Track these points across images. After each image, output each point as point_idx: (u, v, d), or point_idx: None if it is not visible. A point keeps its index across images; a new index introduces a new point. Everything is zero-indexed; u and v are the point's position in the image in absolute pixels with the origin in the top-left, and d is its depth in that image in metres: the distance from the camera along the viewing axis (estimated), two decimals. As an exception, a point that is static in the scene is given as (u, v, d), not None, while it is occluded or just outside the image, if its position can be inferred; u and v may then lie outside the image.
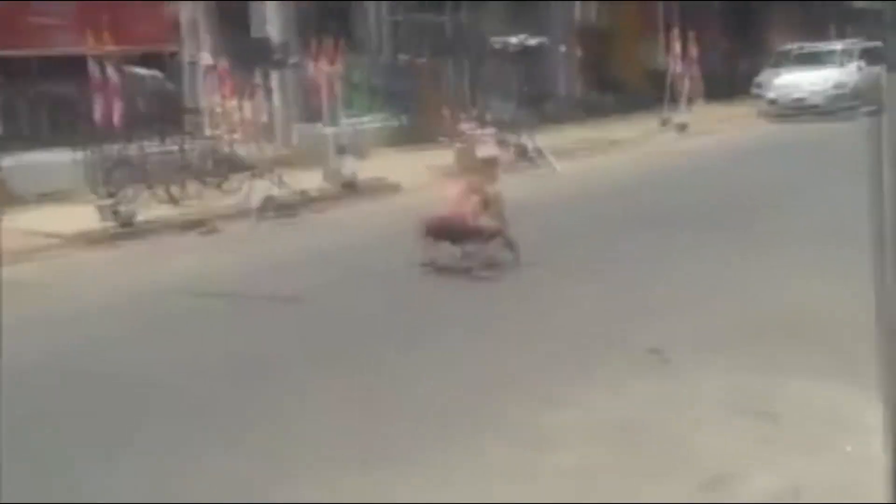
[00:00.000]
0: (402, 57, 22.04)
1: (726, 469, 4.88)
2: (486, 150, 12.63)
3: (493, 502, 4.70)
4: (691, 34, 24.17)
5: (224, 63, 16.84)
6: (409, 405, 6.09)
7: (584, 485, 4.82)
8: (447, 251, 9.67)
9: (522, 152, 18.14)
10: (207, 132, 16.28)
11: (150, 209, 13.50)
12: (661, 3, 29.75)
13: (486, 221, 9.65)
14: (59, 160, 15.04)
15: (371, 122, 20.75)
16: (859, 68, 25.15)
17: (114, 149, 14.39)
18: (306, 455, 5.38)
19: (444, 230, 9.64)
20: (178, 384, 6.77)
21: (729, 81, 30.57)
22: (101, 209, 13.14)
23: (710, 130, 22.92)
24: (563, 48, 25.29)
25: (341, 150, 15.82)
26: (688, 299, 8.21)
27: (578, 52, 25.94)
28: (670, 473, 4.89)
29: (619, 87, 27.86)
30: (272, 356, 7.34)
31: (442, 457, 5.24)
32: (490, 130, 22.13)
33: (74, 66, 15.51)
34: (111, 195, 13.78)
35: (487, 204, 9.82)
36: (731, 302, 8.02)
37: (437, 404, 6.06)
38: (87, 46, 13.99)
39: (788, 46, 28.01)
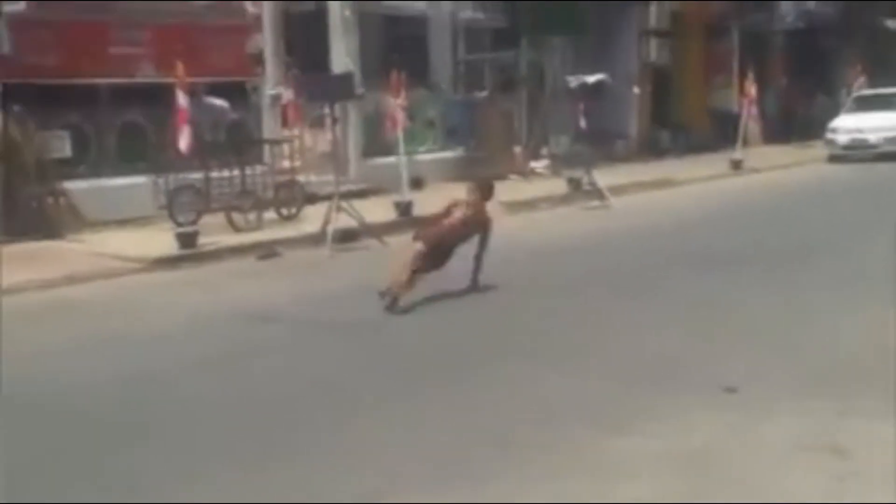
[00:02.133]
0: (475, 94, 22.37)
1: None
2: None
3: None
4: (750, 74, 24.23)
5: (291, 94, 17.13)
6: (474, 432, 6.16)
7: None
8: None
9: (577, 186, 18.25)
10: (286, 163, 16.50)
11: (212, 235, 13.73)
12: (734, 44, 29.90)
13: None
14: (128, 185, 15.36)
15: (438, 155, 21.02)
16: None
17: (179, 175, 14.63)
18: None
19: (438, 240, 9.92)
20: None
21: (790, 123, 30.59)
22: (165, 233, 13.49)
23: (771, 169, 23.01)
24: (636, 90, 25.51)
25: (410, 183, 15.98)
26: (753, 339, 8.22)
27: (637, 91, 26.07)
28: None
29: (683, 127, 27.97)
30: (334, 383, 7.45)
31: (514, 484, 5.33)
32: (543, 163, 22.60)
33: (147, 94, 15.87)
34: (174, 220, 14.09)
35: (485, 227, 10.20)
36: (799, 342, 8.02)
37: (501, 433, 6.14)
38: (167, 75, 14.30)
39: (860, 91, 27.77)
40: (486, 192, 10.48)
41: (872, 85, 27.57)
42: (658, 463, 5.52)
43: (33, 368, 7.95)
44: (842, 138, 25.05)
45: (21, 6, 13.79)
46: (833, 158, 24.91)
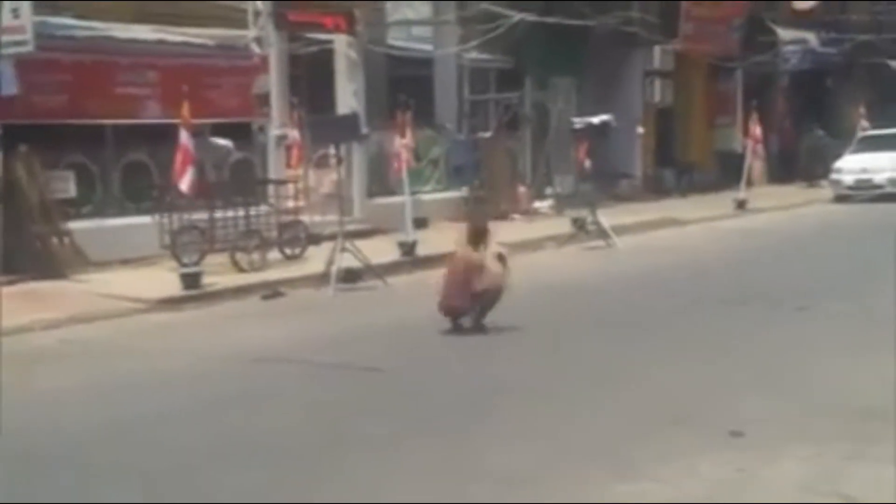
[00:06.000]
0: (479, 134, 22.47)
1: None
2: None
3: None
4: (755, 115, 24.28)
5: (296, 135, 17.17)
6: (481, 474, 6.11)
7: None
8: None
9: (581, 226, 18.22)
10: (290, 203, 16.52)
11: (216, 275, 13.72)
12: (738, 85, 30.01)
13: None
14: (132, 225, 15.36)
15: (443, 195, 21.06)
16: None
17: (183, 215, 14.63)
18: None
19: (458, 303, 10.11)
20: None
21: (792, 163, 30.61)
22: (169, 273, 13.51)
23: (775, 209, 23.03)
24: (640, 130, 25.70)
25: (414, 222, 15.98)
26: (759, 381, 8.17)
27: (641, 131, 26.19)
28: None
29: (687, 167, 28.04)
30: (340, 424, 7.40)
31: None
32: (547, 203, 22.63)
33: (153, 134, 15.92)
34: (178, 260, 14.08)
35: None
36: (805, 385, 7.97)
37: (505, 474, 6.08)
38: (173, 116, 14.36)
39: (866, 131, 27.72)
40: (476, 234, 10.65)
41: (876, 125, 27.58)
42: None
43: (38, 412, 7.90)
44: (847, 178, 25.06)
45: (28, 47, 13.81)
46: (838, 198, 24.92)
